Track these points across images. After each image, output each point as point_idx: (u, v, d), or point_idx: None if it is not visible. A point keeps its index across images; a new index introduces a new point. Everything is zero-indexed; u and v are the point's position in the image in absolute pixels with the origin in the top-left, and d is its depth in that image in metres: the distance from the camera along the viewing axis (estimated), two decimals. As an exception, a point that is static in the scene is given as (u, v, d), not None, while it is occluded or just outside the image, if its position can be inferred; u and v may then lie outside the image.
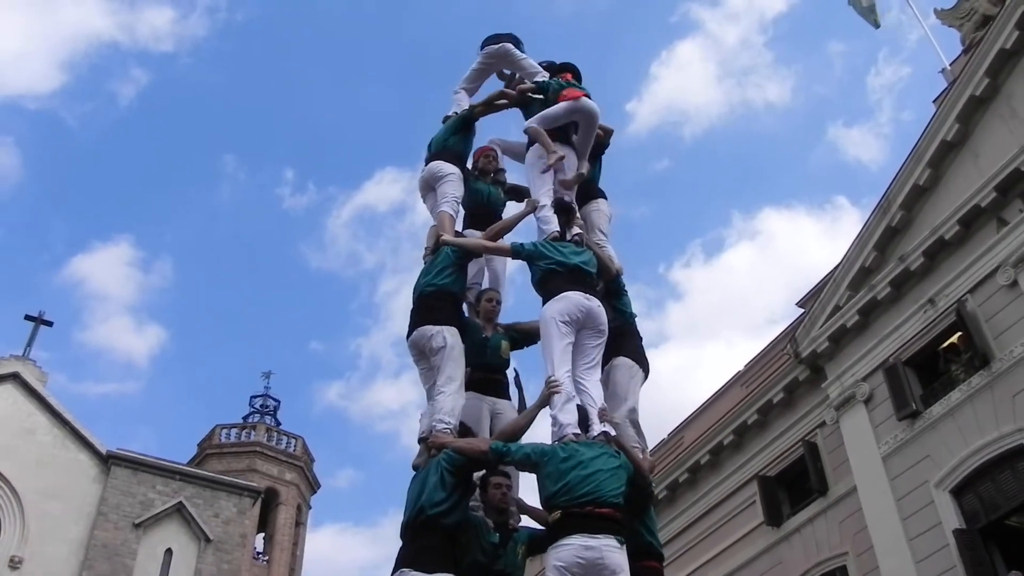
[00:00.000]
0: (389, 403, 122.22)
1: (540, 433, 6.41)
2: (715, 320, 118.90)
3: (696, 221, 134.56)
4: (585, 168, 8.01)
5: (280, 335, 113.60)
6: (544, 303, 6.60)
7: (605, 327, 6.58)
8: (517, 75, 9.09)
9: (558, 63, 8.93)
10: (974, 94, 15.58)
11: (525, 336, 7.14)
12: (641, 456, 6.46)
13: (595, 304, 6.55)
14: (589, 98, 8.15)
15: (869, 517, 15.51)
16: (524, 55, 9.05)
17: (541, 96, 8.35)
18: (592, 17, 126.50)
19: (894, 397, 15.59)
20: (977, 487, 14.04)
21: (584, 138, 8.09)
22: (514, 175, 8.85)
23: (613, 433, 6.00)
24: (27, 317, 32.38)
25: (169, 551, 29.53)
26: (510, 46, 9.10)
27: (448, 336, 6.54)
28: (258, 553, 43.97)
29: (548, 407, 6.15)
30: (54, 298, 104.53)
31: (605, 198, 8.26)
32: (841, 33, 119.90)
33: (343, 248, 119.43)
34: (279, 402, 51.20)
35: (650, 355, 7.36)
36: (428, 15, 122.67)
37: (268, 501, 43.36)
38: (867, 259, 16.76)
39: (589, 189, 8.09)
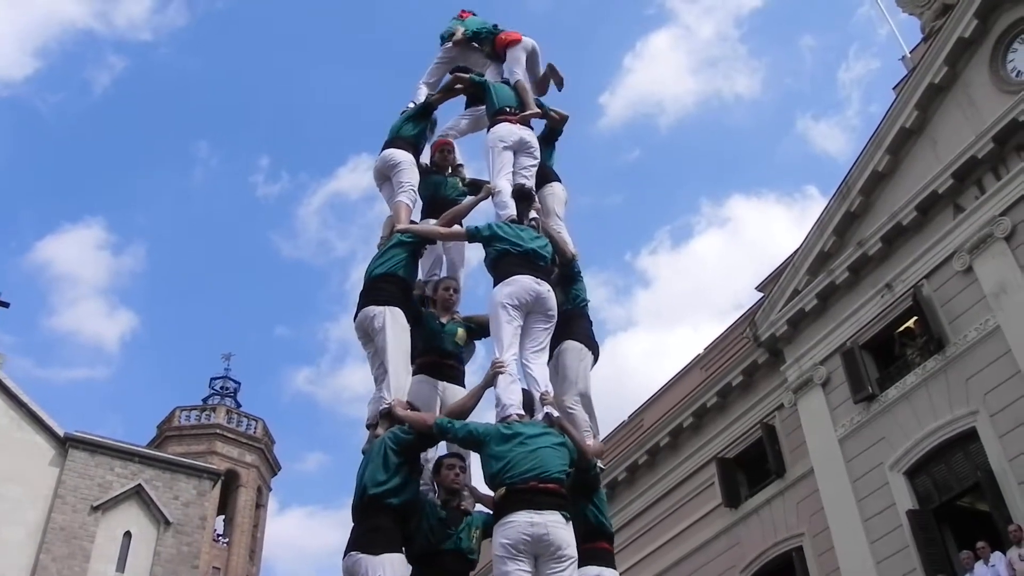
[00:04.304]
0: (357, 387, 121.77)
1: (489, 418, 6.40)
2: (682, 306, 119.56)
3: (665, 209, 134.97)
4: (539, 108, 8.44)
5: (248, 321, 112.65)
6: (495, 285, 6.59)
7: (555, 312, 6.58)
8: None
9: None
10: (933, 82, 15.74)
11: (482, 327, 7.12)
12: (592, 440, 6.49)
13: (545, 288, 6.55)
14: None
15: (825, 498, 15.73)
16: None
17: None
18: (568, 9, 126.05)
19: (851, 380, 15.80)
20: (930, 469, 14.30)
21: (535, 71, 8.81)
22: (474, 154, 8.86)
23: (556, 415, 6.01)
24: (-18, 299, 31.77)
25: (128, 534, 29.26)
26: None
27: (389, 317, 6.51)
28: (218, 535, 43.73)
29: (493, 387, 6.15)
30: (21, 282, 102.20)
31: (560, 182, 8.29)
32: (814, 28, 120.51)
33: (314, 236, 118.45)
34: (239, 384, 50.87)
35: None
36: (404, 3, 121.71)
37: (228, 483, 43.07)
38: (826, 244, 16.92)
39: (544, 173, 8.09)
